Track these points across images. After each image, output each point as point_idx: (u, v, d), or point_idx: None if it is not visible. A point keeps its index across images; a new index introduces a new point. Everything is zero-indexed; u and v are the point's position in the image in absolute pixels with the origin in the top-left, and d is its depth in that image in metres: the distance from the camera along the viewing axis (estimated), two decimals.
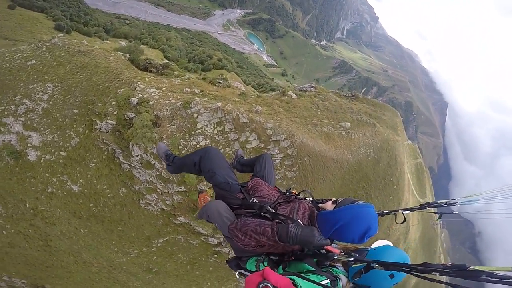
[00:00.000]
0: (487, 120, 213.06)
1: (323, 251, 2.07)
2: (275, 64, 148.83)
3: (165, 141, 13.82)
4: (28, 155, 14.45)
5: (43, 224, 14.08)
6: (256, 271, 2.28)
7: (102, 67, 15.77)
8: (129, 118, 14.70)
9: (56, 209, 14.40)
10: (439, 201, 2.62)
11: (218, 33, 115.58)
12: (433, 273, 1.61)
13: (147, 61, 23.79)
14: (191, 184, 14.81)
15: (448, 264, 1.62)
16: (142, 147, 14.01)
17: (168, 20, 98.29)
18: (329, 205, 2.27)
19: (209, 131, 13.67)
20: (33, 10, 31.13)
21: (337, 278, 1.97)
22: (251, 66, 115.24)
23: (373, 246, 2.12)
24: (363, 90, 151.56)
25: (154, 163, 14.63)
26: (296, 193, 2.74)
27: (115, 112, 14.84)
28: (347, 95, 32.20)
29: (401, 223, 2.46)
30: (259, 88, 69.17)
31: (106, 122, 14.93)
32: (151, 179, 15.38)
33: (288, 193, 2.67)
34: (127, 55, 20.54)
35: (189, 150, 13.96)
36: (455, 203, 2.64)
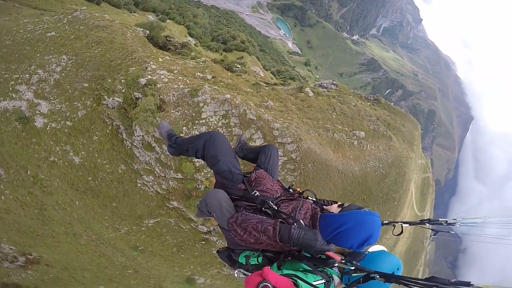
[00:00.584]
0: (510, 142, 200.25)
1: (323, 256, 2.00)
2: (300, 52, 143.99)
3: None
4: (36, 121, 14.59)
5: (41, 192, 14.28)
6: (245, 264, 2.26)
7: (117, 43, 15.31)
8: (136, 98, 14.27)
9: (55, 178, 14.54)
10: (440, 219, 2.59)
11: (246, 14, 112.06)
12: None
13: (167, 38, 22.97)
14: (188, 173, 14.41)
15: (452, 280, 1.58)
16: (144, 129, 13.60)
17: None
18: (334, 208, 2.23)
19: (213, 123, 13.04)
20: None
21: (331, 278, 1.94)
22: (274, 51, 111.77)
23: (369, 250, 2.07)
24: (387, 91, 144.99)
25: (155, 146, 14.27)
26: (300, 191, 2.66)
27: (123, 90, 14.47)
28: (369, 97, 30.55)
29: (397, 235, 2.45)
30: (278, 75, 67.29)
31: (113, 99, 14.63)
32: (150, 161, 15.12)
33: (291, 190, 2.59)
34: (147, 32, 19.75)
35: None
36: (455, 223, 2.61)
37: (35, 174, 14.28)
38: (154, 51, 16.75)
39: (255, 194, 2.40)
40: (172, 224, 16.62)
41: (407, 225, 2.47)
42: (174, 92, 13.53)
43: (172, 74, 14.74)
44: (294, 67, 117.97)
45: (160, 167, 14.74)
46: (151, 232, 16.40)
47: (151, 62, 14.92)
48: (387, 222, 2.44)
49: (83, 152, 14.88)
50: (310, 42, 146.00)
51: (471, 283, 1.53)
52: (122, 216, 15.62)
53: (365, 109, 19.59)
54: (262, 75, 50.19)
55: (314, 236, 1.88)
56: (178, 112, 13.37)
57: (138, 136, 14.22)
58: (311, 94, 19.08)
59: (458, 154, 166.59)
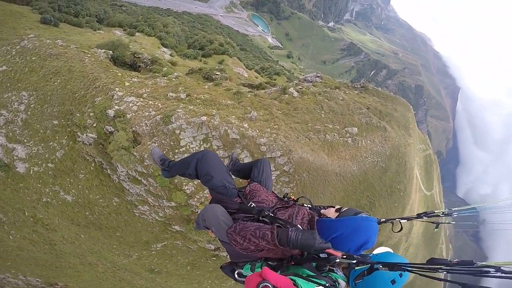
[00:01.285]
0: (501, 106, 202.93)
1: (324, 255, 1.91)
2: (280, 46, 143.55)
3: (147, 160, 12.26)
4: (17, 167, 13.80)
5: (45, 230, 13.73)
6: None
7: (76, 72, 14.02)
8: (109, 131, 13.04)
9: (54, 217, 13.97)
10: (436, 211, 2.51)
11: (220, 16, 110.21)
12: (439, 271, 1.54)
13: (135, 55, 21.64)
14: (179, 202, 13.38)
15: (454, 261, 1.54)
16: (125, 166, 12.43)
17: (168, 4, 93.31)
18: (331, 213, 2.23)
19: (194, 149, 11.92)
20: (16, 3, 28.65)
21: (336, 283, 1.93)
22: (255, 48, 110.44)
23: (374, 252, 2.04)
24: (372, 72, 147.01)
25: (141, 179, 13.25)
26: (295, 198, 2.66)
27: (94, 125, 13.34)
28: (356, 86, 29.76)
29: (398, 232, 2.53)
30: (263, 72, 66.10)
31: (87, 135, 13.54)
32: (140, 193, 14.22)
33: (286, 199, 2.61)
34: (110, 52, 18.39)
35: None
36: (452, 213, 2.54)
37: (33, 215, 13.67)
38: (119, 74, 15.45)
39: (251, 206, 2.40)
40: (180, 245, 16.33)
41: (405, 220, 2.46)
42: (146, 121, 12.35)
43: (141, 99, 13.50)
44: (278, 61, 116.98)
45: (152, 198, 13.87)
46: (161, 254, 16.01)
47: (117, 89, 13.68)
48: (384, 220, 2.37)
49: (73, 191, 14.29)
50: (289, 34, 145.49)
51: (474, 261, 1.47)
52: (129, 244, 15.24)
53: (354, 102, 18.64)
54: (246, 75, 48.92)
55: (312, 235, 1.85)
56: (155, 143, 12.26)
57: (122, 171, 13.09)
58: (295, 94, 18.03)
59: (453, 123, 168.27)
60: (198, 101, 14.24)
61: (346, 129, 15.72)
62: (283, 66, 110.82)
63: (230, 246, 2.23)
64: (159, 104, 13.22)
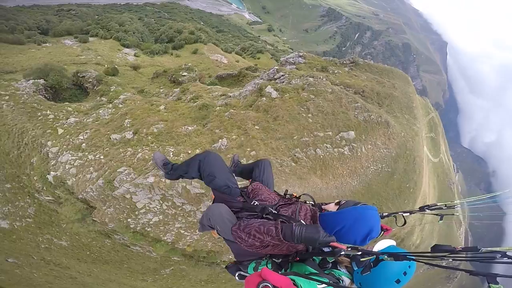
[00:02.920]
0: (490, 57, 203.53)
1: (329, 248, 1.87)
2: (260, 20, 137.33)
3: (111, 224, 9.43)
4: (1, 224, 12.03)
5: (60, 268, 12.35)
6: None
7: None
8: (59, 197, 10.14)
9: (60, 257, 12.42)
10: (438, 204, 2.49)
11: (188, 1, 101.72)
12: (445, 258, 1.50)
13: (79, 75, 17.81)
14: (159, 252, 11.17)
15: (459, 248, 1.50)
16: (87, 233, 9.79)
17: None
18: (332, 207, 2.22)
19: (156, 208, 9.18)
20: None
21: (340, 280, 1.90)
22: (233, 27, 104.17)
23: (377, 246, 1.91)
24: (357, 35, 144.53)
25: (112, 235, 11.29)
26: (297, 196, 2.67)
27: (44, 188, 10.46)
28: (345, 62, 26.19)
29: (401, 226, 2.39)
30: (245, 53, 61.25)
31: (44, 197, 10.78)
32: (123, 240, 11.61)
33: (288, 196, 2.64)
34: (42, 81, 14.64)
35: (144, 228, 10.65)
36: (455, 205, 2.51)
37: (41, 258, 12.35)
38: (51, 116, 11.98)
39: (255, 204, 2.41)
40: (187, 269, 13.90)
41: (408, 213, 2.42)
42: (91, 186, 9.39)
43: (79, 154, 10.37)
44: (259, 36, 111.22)
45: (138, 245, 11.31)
46: (173, 276, 14.18)
47: (49, 143, 10.54)
48: (387, 214, 2.35)
49: (64, 237, 12.47)
50: (265, 7, 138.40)
51: (478, 247, 1.45)
52: (140, 271, 13.53)
53: (346, 93, 15.32)
54: (226, 61, 44.35)
55: (316, 229, 1.83)
56: (110, 208, 9.37)
57: None
58: (274, 94, 14.67)
59: (446, 75, 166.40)
60: (149, 138, 11.05)
61: (340, 134, 12.62)
62: (265, 41, 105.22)
63: (235, 244, 2.20)
64: (101, 158, 10.09)
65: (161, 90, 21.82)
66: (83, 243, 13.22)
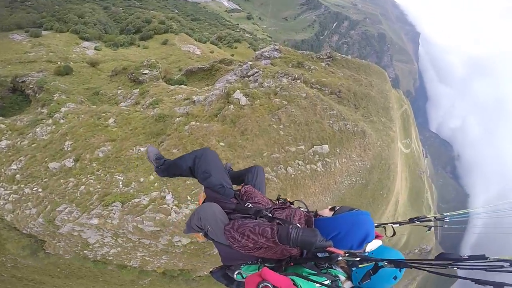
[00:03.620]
0: (459, 48, 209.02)
1: (326, 253, 1.80)
2: (239, 8, 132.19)
3: (67, 255, 7.67)
4: None
5: (34, 283, 10.84)
6: (243, 280, 2.10)
7: None
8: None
9: (32, 274, 10.76)
10: (428, 216, 2.47)
11: None
12: (449, 266, 1.46)
13: (17, 80, 14.81)
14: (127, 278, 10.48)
15: (465, 256, 1.45)
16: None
17: None
18: (326, 212, 2.16)
19: (111, 242, 7.51)
20: None
21: (337, 278, 1.84)
22: (210, 15, 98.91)
23: (368, 249, 1.89)
24: (335, 24, 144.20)
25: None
26: (290, 201, 2.50)
27: None
28: (322, 57, 24.65)
29: (391, 236, 2.39)
30: (221, 42, 57.81)
31: None
32: None
33: (282, 200, 2.51)
34: None
35: (105, 257, 9.60)
36: (444, 218, 2.48)
37: (12, 275, 10.79)
38: None
39: (248, 206, 2.29)
40: (166, 278, 12.34)
41: (397, 225, 2.41)
42: (33, 222, 7.92)
43: (14, 186, 8.61)
44: (238, 24, 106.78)
45: None
46: (153, 286, 12.58)
47: None
48: (376, 224, 2.27)
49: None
50: None
51: (486, 256, 1.39)
52: (117, 283, 11.73)
53: (321, 97, 13.75)
54: (199, 52, 41.04)
55: (313, 232, 1.71)
56: (60, 242, 7.76)
57: None
58: (243, 101, 12.80)
59: (417, 65, 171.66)
60: (94, 165, 9.15)
61: (314, 148, 11.12)
62: (244, 29, 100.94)
63: (225, 247, 2.11)
64: (39, 190, 8.30)
65: (119, 91, 19.17)
66: (50, 262, 11.26)
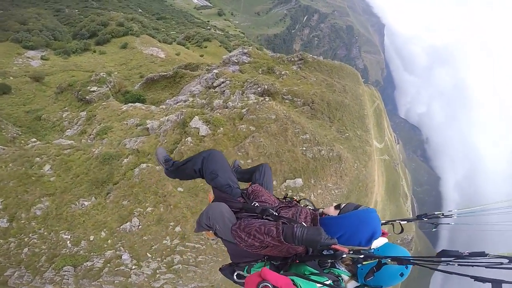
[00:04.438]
0: (421, 39, 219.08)
1: (330, 251, 1.81)
2: (209, 4, 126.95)
3: None
4: None
5: None
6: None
7: None
8: None
9: None
10: (436, 213, 2.35)
11: None
12: (451, 263, 1.47)
13: None
14: None
15: (465, 253, 1.46)
16: None
17: None
18: (332, 211, 2.11)
19: None
20: None
21: (340, 278, 1.83)
22: (177, 14, 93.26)
23: (374, 246, 1.89)
24: (305, 18, 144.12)
25: None
26: (297, 200, 2.48)
27: None
28: (293, 59, 22.90)
29: (399, 233, 2.31)
30: (189, 42, 54.06)
31: None
32: None
33: (289, 199, 2.52)
34: None
35: None
36: (451, 215, 2.32)
37: None
38: None
39: (255, 205, 2.27)
40: None
41: (405, 222, 2.39)
42: None
43: None
44: (208, 21, 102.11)
45: None
46: None
47: None
48: (384, 222, 2.27)
49: None
50: None
51: (486, 253, 1.40)
52: None
53: (292, 119, 11.90)
54: (163, 55, 37.24)
55: (318, 231, 1.70)
56: None
57: None
58: (204, 130, 10.67)
59: (384, 55, 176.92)
60: (33, 224, 8.36)
61: (286, 183, 9.41)
62: (215, 26, 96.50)
63: (233, 245, 2.13)
64: None
65: (65, 115, 16.13)
66: None
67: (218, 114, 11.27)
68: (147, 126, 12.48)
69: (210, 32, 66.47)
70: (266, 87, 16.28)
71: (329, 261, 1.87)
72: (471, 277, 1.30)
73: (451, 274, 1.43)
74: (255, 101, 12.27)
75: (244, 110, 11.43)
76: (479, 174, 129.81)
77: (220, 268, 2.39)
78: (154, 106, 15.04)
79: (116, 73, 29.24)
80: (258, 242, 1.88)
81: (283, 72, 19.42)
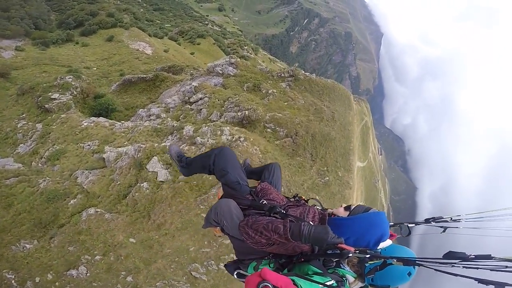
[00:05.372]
0: (416, 50, 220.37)
1: (337, 250, 1.79)
2: None
3: None
4: None
5: None
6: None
7: None
8: None
9: None
10: (444, 217, 2.35)
11: None
12: (456, 265, 1.44)
13: None
14: None
15: (471, 255, 1.42)
16: None
17: None
18: (341, 212, 2.10)
19: None
20: None
21: (344, 279, 1.79)
22: (177, 5, 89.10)
23: (380, 247, 1.88)
24: (305, 21, 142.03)
25: None
26: (305, 199, 2.48)
27: None
28: (283, 75, 21.04)
29: (406, 236, 2.29)
30: (182, 37, 51.21)
31: None
32: None
33: (297, 198, 2.48)
34: None
35: None
36: (460, 219, 2.35)
37: None
38: None
39: (263, 203, 2.26)
40: None
41: (413, 225, 2.33)
42: None
43: None
44: (207, 16, 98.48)
45: None
46: None
47: None
48: (392, 224, 2.27)
49: None
50: None
51: (491, 255, 1.37)
52: None
53: (267, 160, 10.29)
54: (150, 51, 34.19)
55: (325, 229, 1.71)
56: None
57: None
58: (163, 175, 8.99)
59: (378, 64, 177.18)
60: None
61: None
62: (213, 22, 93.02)
63: (240, 241, 2.14)
64: None
65: (20, 124, 13.93)
66: None
67: None
68: (105, 152, 10.62)
69: (206, 28, 63.14)
70: (247, 113, 14.55)
71: (334, 260, 1.83)
72: (475, 279, 1.30)
73: (456, 276, 1.42)
74: (230, 137, 10.54)
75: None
76: (453, 187, 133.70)
77: (225, 264, 2.42)
78: (118, 123, 13.07)
79: (94, 68, 26.72)
80: (265, 239, 1.88)
81: (270, 91, 17.62)
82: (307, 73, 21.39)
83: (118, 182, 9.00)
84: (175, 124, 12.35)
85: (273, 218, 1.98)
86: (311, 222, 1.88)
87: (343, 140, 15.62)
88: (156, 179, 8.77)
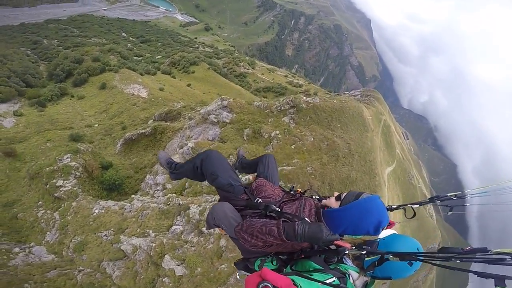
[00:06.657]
0: (408, 29, 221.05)
1: (333, 247, 1.79)
2: (195, 20, 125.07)
3: None
4: None
5: None
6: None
7: None
8: None
9: None
10: (448, 194, 2.30)
11: (104, 10, 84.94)
12: (453, 259, 1.45)
13: None
14: None
15: (467, 249, 1.45)
16: None
17: (20, 17, 66.39)
18: (333, 202, 2.03)
19: None
20: None
21: (346, 275, 1.75)
22: (163, 34, 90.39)
23: (380, 236, 1.83)
24: (292, 22, 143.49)
25: None
26: (302, 191, 2.49)
27: None
28: (284, 107, 18.41)
29: (411, 218, 2.27)
30: (175, 68, 51.50)
31: None
32: None
33: (293, 192, 2.49)
34: None
35: None
36: (465, 196, 2.32)
37: None
38: None
39: (258, 202, 2.27)
40: None
41: (418, 205, 2.29)
42: None
43: None
44: (195, 38, 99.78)
45: None
46: None
47: None
48: (396, 206, 2.28)
49: None
50: (199, 5, 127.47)
51: (488, 248, 1.39)
52: None
53: None
54: (145, 94, 33.54)
55: (319, 227, 1.71)
56: None
57: None
58: (179, 271, 8.40)
59: (376, 49, 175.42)
60: None
61: None
62: (203, 43, 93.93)
63: (240, 243, 2.14)
64: None
65: (40, 214, 13.82)
66: None
67: (193, 250, 9.03)
68: (123, 242, 10.34)
69: (197, 54, 63.40)
70: (251, 178, 13.74)
71: (335, 256, 1.80)
72: (474, 272, 1.31)
73: (454, 270, 1.42)
74: None
75: (223, 244, 9.11)
76: (497, 156, 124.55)
77: (234, 262, 2.42)
78: (128, 205, 12.70)
79: (96, 125, 26.87)
80: (261, 242, 1.87)
81: (272, 134, 16.19)
82: (309, 100, 19.72)
83: (142, 276, 8.71)
84: (181, 202, 11.89)
85: (267, 220, 1.96)
86: (306, 219, 1.88)
87: (365, 177, 14.59)
88: (175, 274, 8.36)
